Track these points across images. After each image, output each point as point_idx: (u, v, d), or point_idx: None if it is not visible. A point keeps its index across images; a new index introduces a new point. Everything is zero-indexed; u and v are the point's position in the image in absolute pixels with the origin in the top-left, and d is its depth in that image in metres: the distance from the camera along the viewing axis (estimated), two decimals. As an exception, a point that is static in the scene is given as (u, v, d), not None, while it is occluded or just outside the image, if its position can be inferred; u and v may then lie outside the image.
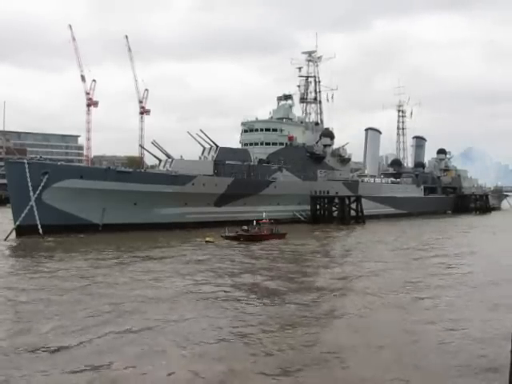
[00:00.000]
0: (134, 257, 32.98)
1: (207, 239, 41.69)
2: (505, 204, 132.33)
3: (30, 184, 44.66)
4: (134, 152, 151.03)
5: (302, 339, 15.29)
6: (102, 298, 20.37)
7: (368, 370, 12.78)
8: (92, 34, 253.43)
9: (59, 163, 52.14)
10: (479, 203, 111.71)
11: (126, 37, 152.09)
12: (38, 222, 43.36)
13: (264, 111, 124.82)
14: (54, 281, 24.15)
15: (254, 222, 45.59)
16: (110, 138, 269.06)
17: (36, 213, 43.95)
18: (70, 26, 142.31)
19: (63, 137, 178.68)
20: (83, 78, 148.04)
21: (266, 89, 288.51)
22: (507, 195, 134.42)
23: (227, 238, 43.28)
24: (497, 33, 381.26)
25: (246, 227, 44.40)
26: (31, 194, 44.61)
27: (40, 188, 45.50)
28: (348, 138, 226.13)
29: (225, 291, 22.21)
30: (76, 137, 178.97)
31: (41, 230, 42.94)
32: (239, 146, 72.09)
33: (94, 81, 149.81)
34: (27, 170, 44.83)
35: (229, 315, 18.06)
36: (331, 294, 22.19)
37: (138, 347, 14.31)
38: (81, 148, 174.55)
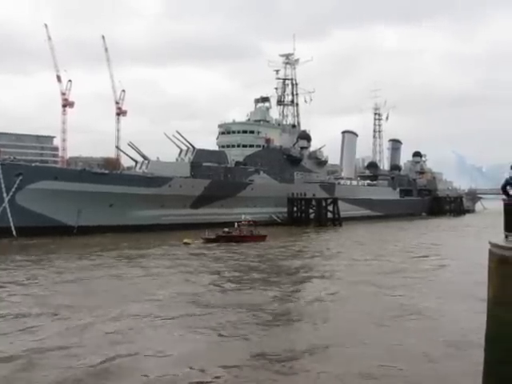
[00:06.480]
0: (115, 257, 32.82)
1: (185, 241, 41.68)
2: (479, 206, 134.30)
3: (3, 185, 44.15)
4: (111, 153, 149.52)
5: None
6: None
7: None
8: (61, 39, 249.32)
9: (33, 164, 51.57)
10: (453, 205, 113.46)
11: (103, 37, 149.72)
12: (12, 224, 42.89)
13: (233, 114, 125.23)
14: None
15: (236, 224, 45.45)
16: (86, 139, 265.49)
17: (9, 214, 43.42)
18: (46, 25, 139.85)
19: (38, 137, 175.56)
20: (59, 79, 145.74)
21: (235, 92, 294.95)
22: (481, 197, 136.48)
23: (207, 240, 43.05)
24: (456, 41, 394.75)
25: (227, 229, 44.36)
26: (4, 195, 44.13)
27: (13, 189, 44.92)
28: (325, 140, 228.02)
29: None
30: (51, 138, 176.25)
31: (14, 232, 42.46)
32: (213, 148, 71.86)
33: (69, 81, 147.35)
34: (0, 171, 44.25)
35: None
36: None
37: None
38: (56, 149, 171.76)
